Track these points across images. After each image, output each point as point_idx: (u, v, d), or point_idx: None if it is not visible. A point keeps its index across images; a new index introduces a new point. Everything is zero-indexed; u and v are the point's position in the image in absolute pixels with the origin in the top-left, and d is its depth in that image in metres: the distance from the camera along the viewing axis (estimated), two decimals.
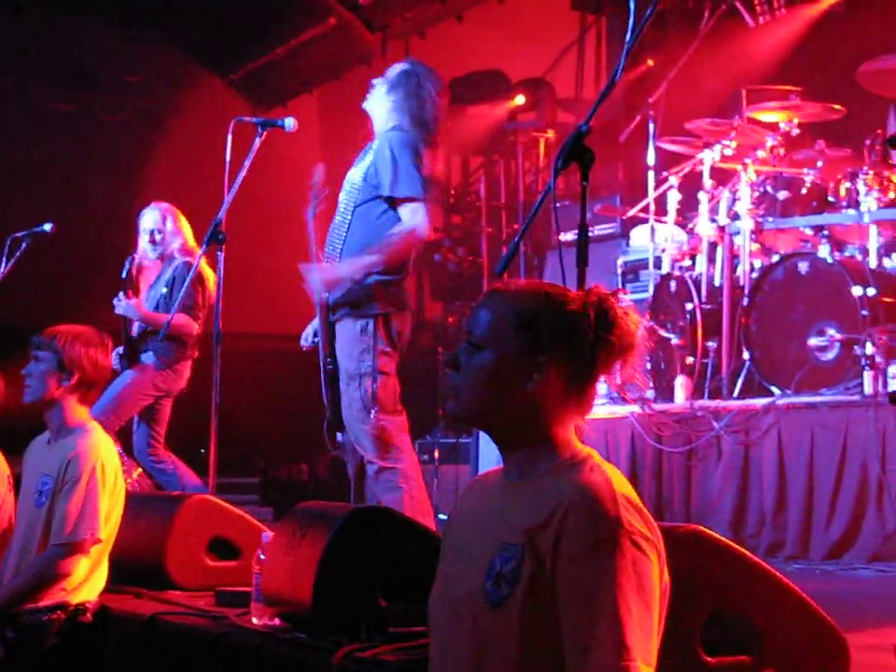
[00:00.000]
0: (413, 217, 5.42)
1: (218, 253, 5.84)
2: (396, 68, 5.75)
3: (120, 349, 6.99)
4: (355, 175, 5.65)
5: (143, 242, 7.19)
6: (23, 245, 7.07)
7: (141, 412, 7.06)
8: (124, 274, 6.98)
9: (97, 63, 11.36)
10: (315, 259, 5.55)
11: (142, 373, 6.99)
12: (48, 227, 7.05)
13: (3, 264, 7.09)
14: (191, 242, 7.23)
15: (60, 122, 11.04)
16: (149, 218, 7.24)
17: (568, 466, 2.36)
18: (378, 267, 5.45)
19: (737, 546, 3.06)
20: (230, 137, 6.03)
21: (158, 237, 7.19)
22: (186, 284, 6.64)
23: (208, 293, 6.99)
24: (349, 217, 5.62)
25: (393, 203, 5.50)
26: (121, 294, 6.94)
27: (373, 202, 5.54)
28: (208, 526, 5.10)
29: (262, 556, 4.13)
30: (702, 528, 3.02)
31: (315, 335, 5.73)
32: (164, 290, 7.11)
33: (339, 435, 5.77)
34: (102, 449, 4.50)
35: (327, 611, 3.70)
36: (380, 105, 5.68)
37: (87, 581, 4.46)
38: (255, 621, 4.09)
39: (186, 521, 5.06)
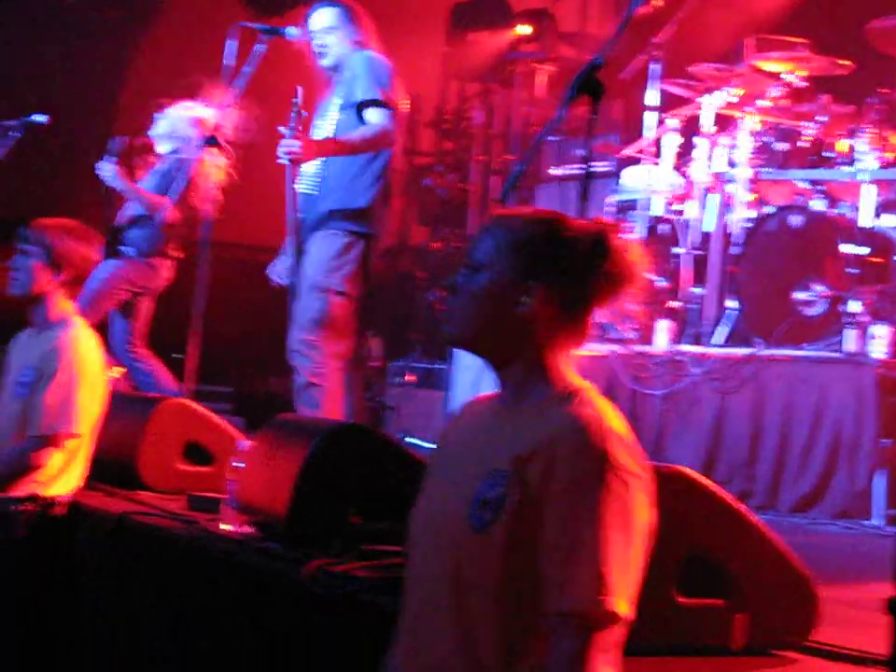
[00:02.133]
0: (383, 120, 5.61)
1: (212, 157, 5.81)
2: (327, 10, 5.95)
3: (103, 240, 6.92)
4: (330, 102, 5.77)
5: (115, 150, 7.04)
6: (15, 134, 6.98)
7: (118, 306, 6.99)
8: (111, 155, 6.82)
9: None
10: (291, 189, 5.66)
11: (118, 267, 6.90)
12: (42, 118, 6.95)
13: None
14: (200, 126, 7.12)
15: (54, 16, 10.88)
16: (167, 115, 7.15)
17: (561, 397, 2.35)
18: (346, 153, 5.70)
19: (718, 489, 3.07)
20: (231, 42, 5.98)
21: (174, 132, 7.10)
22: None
23: (198, 190, 6.89)
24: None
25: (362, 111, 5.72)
26: (108, 161, 6.77)
27: (352, 123, 5.66)
28: (183, 430, 5.09)
29: (238, 464, 4.13)
30: (684, 469, 3.02)
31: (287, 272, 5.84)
32: (153, 179, 7.00)
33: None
34: (84, 343, 4.47)
35: (301, 524, 3.71)
36: (339, 46, 5.90)
37: (61, 475, 4.45)
38: (227, 527, 4.09)
39: (161, 423, 5.05)
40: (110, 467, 4.96)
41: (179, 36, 11.15)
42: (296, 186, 5.85)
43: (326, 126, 5.85)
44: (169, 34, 11.26)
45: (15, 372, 4.53)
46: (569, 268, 2.37)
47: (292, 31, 5.95)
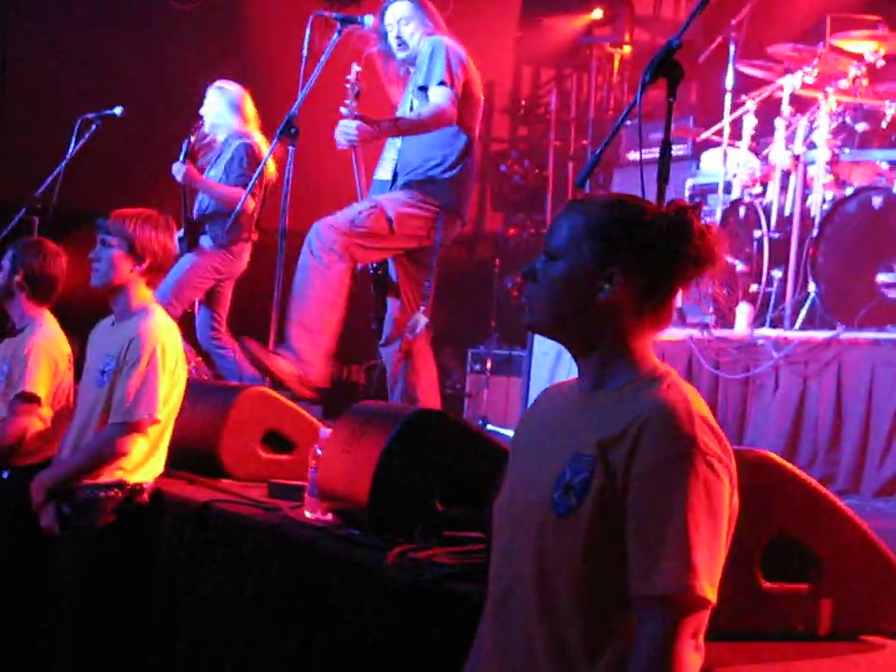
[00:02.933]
0: (442, 97, 5.69)
1: (290, 147, 5.84)
2: (400, 3, 6.06)
3: (180, 232, 7.00)
4: (408, 90, 5.87)
5: (187, 150, 7.14)
6: (93, 126, 7.06)
7: (202, 295, 7.09)
8: (182, 156, 6.93)
9: None
10: (359, 173, 5.77)
11: (201, 257, 6.99)
12: (118, 110, 7.03)
13: (72, 145, 7.10)
14: (252, 124, 7.19)
15: (132, 6, 10.98)
16: (208, 96, 7.23)
17: (646, 381, 2.34)
18: (403, 133, 5.86)
19: (802, 473, 3.04)
20: (308, 32, 6.00)
21: (212, 114, 7.18)
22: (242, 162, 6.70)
23: (266, 176, 6.97)
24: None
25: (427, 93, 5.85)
26: (179, 162, 6.89)
27: (425, 101, 5.77)
28: (264, 418, 5.12)
29: (319, 452, 4.15)
30: (768, 453, 3.00)
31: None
32: (220, 174, 7.09)
33: (381, 350, 5.93)
34: (163, 331, 4.50)
35: (382, 511, 3.71)
36: (414, 36, 6.01)
37: (145, 462, 4.49)
38: (308, 514, 4.11)
39: (242, 411, 5.09)
40: (192, 455, 5.01)
41: (256, 26, 11.21)
42: (375, 173, 5.94)
43: (406, 108, 5.93)
44: (246, 24, 11.32)
45: (96, 361, 4.57)
46: (650, 252, 2.35)
47: (369, 20, 5.98)
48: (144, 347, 4.41)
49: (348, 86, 5.66)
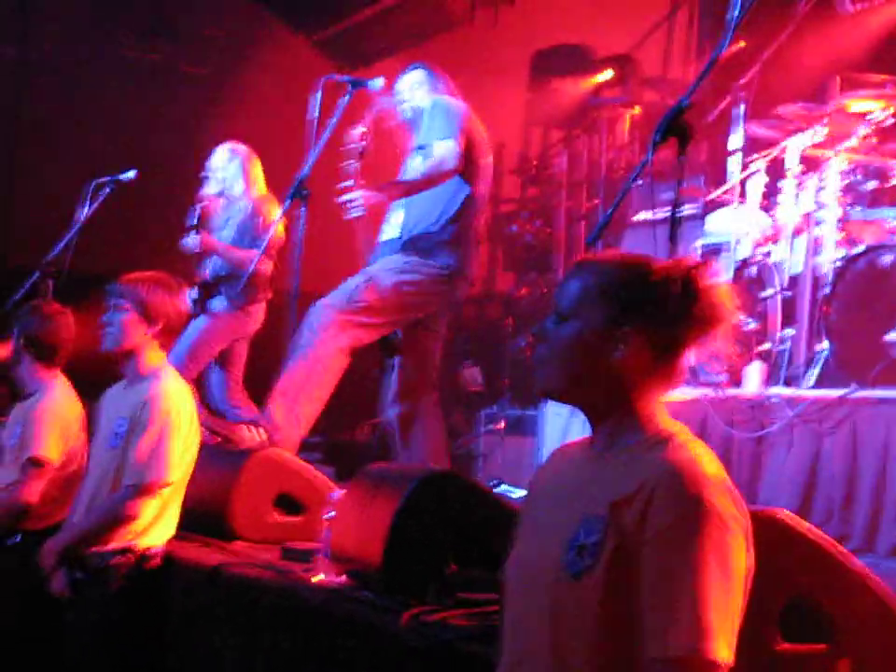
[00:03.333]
0: (444, 150, 5.65)
1: (301, 209, 5.86)
2: (415, 72, 6.22)
3: (194, 293, 7.01)
4: (413, 152, 5.89)
5: (210, 181, 7.17)
6: (106, 190, 7.09)
7: (216, 357, 7.09)
8: (194, 220, 6.96)
9: (180, 16, 11.37)
10: (364, 238, 5.75)
11: (216, 319, 7.01)
12: (131, 174, 7.06)
13: (85, 209, 7.12)
14: (260, 186, 7.22)
15: (143, 71, 11.07)
16: (217, 157, 7.25)
17: (657, 440, 2.33)
18: (408, 193, 5.83)
19: (818, 532, 3.02)
20: (318, 95, 6.04)
21: (220, 175, 7.20)
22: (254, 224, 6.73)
23: (277, 236, 6.98)
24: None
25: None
26: (192, 233, 6.91)
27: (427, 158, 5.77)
28: (275, 481, 5.12)
29: (331, 514, 4.14)
30: (783, 512, 2.98)
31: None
32: (233, 234, 7.10)
33: (388, 411, 5.92)
34: (176, 394, 4.51)
35: (396, 572, 3.70)
36: (427, 101, 6.08)
37: (155, 524, 4.49)
38: (321, 577, 4.10)
39: (253, 474, 5.09)
40: (204, 518, 5.00)
41: (267, 89, 11.30)
42: (381, 235, 5.95)
43: (411, 169, 5.94)
44: (257, 87, 11.41)
45: (108, 424, 4.58)
46: (662, 312, 2.35)
47: (377, 83, 6.02)
48: (156, 410, 4.42)
49: (353, 145, 5.67)
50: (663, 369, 2.38)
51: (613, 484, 2.29)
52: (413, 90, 6.03)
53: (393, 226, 5.96)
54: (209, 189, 7.20)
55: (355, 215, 5.69)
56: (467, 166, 5.86)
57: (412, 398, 5.93)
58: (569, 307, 2.39)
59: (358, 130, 5.75)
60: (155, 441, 4.41)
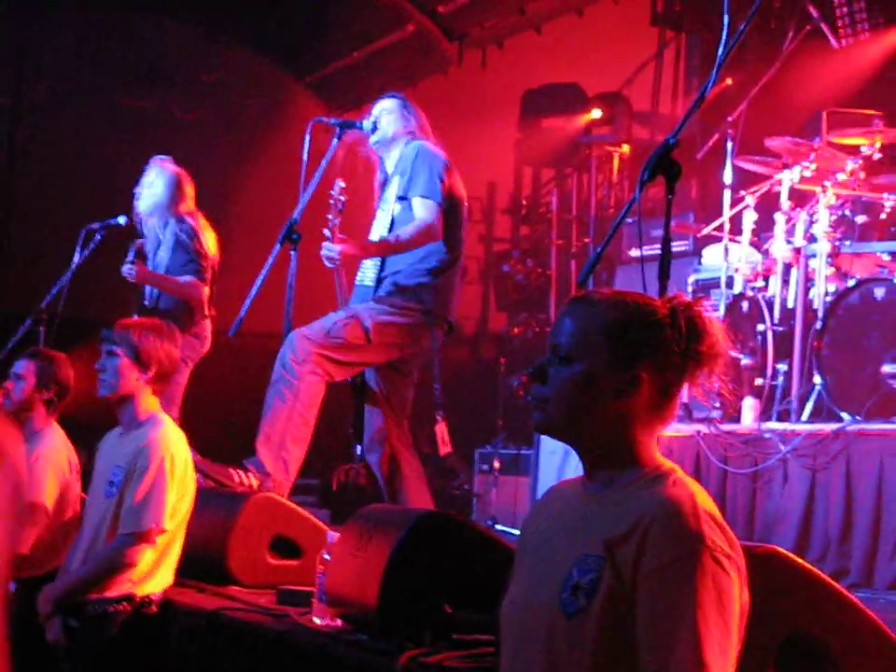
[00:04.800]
0: (428, 213, 5.65)
1: (292, 252, 5.86)
2: (388, 99, 6.12)
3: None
4: (388, 193, 5.85)
5: (134, 252, 7.05)
6: (97, 236, 7.09)
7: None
8: (131, 257, 6.86)
9: (174, 62, 11.45)
10: (340, 286, 5.73)
11: None
12: (122, 219, 7.06)
13: (77, 255, 7.13)
14: (190, 203, 7.11)
15: (136, 118, 11.13)
16: (149, 174, 7.14)
17: (651, 479, 2.33)
18: (389, 253, 5.78)
19: (814, 568, 3.02)
20: (307, 137, 6.05)
21: (152, 191, 7.08)
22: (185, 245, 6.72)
23: (209, 253, 6.93)
24: (385, 235, 5.81)
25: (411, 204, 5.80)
26: (130, 264, 6.81)
27: (406, 212, 5.73)
28: (271, 524, 5.11)
29: (327, 557, 4.13)
30: (779, 549, 2.98)
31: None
32: (165, 258, 6.99)
33: (357, 447, 5.89)
34: (172, 441, 4.51)
35: (392, 615, 3.68)
36: (391, 126, 6.00)
37: (153, 572, 4.48)
38: (317, 620, 4.08)
39: (249, 518, 5.07)
40: (200, 562, 4.98)
41: (257, 133, 11.35)
42: (357, 279, 5.93)
43: (384, 217, 5.92)
44: (247, 131, 11.46)
45: (104, 472, 4.58)
46: (668, 352, 2.34)
47: (367, 124, 6.03)
48: (153, 457, 4.42)
49: (331, 201, 5.67)
50: (662, 407, 2.39)
51: (608, 523, 2.29)
52: (384, 114, 6.01)
53: (369, 270, 5.93)
54: (141, 204, 7.07)
55: (331, 266, 5.67)
56: (450, 217, 5.82)
57: (387, 443, 5.91)
58: (570, 347, 2.37)
59: (338, 185, 5.74)
60: (151, 489, 4.40)
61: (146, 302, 7.07)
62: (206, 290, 6.91)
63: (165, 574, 4.54)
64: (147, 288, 7.07)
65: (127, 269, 6.75)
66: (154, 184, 7.02)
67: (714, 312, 2.26)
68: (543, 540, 2.44)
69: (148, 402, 4.61)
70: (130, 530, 4.38)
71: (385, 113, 6.02)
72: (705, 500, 2.28)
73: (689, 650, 2.13)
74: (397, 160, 5.96)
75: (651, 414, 2.37)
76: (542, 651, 2.30)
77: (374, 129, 6.02)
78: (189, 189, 7.12)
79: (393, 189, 5.93)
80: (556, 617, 2.28)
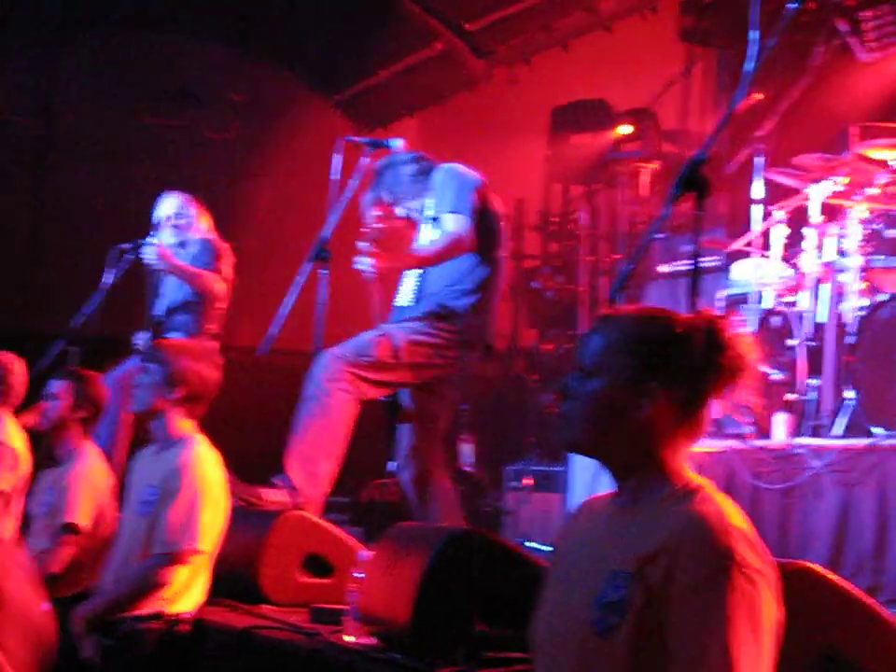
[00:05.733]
0: (456, 225, 5.64)
1: (322, 271, 5.87)
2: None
3: (146, 334, 7.00)
4: (427, 214, 5.88)
5: (163, 229, 7.11)
6: (127, 256, 7.14)
7: None
8: (154, 237, 6.92)
9: (203, 82, 11.50)
10: (375, 301, 5.73)
11: None
12: (154, 239, 7.12)
13: (108, 275, 7.17)
14: (205, 223, 7.22)
15: (165, 138, 11.18)
16: (170, 204, 7.22)
17: (681, 495, 2.33)
18: (420, 265, 5.81)
19: (847, 584, 3.00)
20: (337, 156, 6.07)
21: (182, 221, 7.16)
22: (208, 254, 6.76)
23: (231, 270, 7.00)
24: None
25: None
26: (150, 245, 6.88)
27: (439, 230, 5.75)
28: (303, 542, 5.11)
29: (359, 575, 4.13)
30: (811, 565, 2.97)
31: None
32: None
33: (389, 464, 5.89)
34: (206, 461, 4.52)
35: (424, 633, 3.69)
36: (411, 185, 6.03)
37: (185, 591, 4.49)
38: (349, 638, 4.08)
39: (281, 536, 5.07)
40: (231, 581, 4.99)
41: (288, 153, 11.39)
42: (395, 300, 5.94)
43: (424, 241, 5.93)
44: (277, 150, 11.50)
45: (138, 492, 4.60)
46: (686, 365, 2.35)
47: (396, 143, 6.04)
48: (186, 477, 4.43)
49: (368, 229, 5.68)
50: (688, 422, 2.39)
51: (639, 539, 2.29)
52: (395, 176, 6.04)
53: (407, 292, 5.94)
54: (166, 239, 7.14)
55: (367, 278, 5.67)
56: (485, 239, 5.81)
57: (419, 461, 5.90)
58: (593, 363, 2.39)
59: (373, 213, 5.75)
60: (187, 510, 4.41)
61: (159, 312, 7.11)
62: (224, 287, 6.95)
63: (197, 593, 4.55)
64: (164, 299, 7.12)
65: (149, 248, 6.80)
66: (176, 213, 7.13)
67: (744, 326, 2.25)
68: (574, 557, 2.44)
69: (181, 422, 4.63)
70: (164, 550, 4.40)
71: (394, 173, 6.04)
72: (735, 516, 2.28)
73: (720, 668, 2.12)
74: (433, 186, 5.97)
75: (676, 428, 2.38)
76: (576, 668, 2.29)
77: (414, 158, 6.01)
78: (205, 216, 7.22)
79: (428, 212, 5.95)
80: (588, 635, 2.27)
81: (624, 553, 2.29)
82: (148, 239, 7.02)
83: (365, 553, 4.25)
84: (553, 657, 2.37)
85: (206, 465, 4.52)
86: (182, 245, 7.15)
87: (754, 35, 3.75)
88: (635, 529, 2.32)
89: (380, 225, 5.69)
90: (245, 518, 5.31)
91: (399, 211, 6.01)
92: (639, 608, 2.22)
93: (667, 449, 2.38)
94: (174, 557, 4.40)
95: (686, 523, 2.25)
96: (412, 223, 6.07)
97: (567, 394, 2.42)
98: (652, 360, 2.35)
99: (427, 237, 5.89)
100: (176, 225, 7.17)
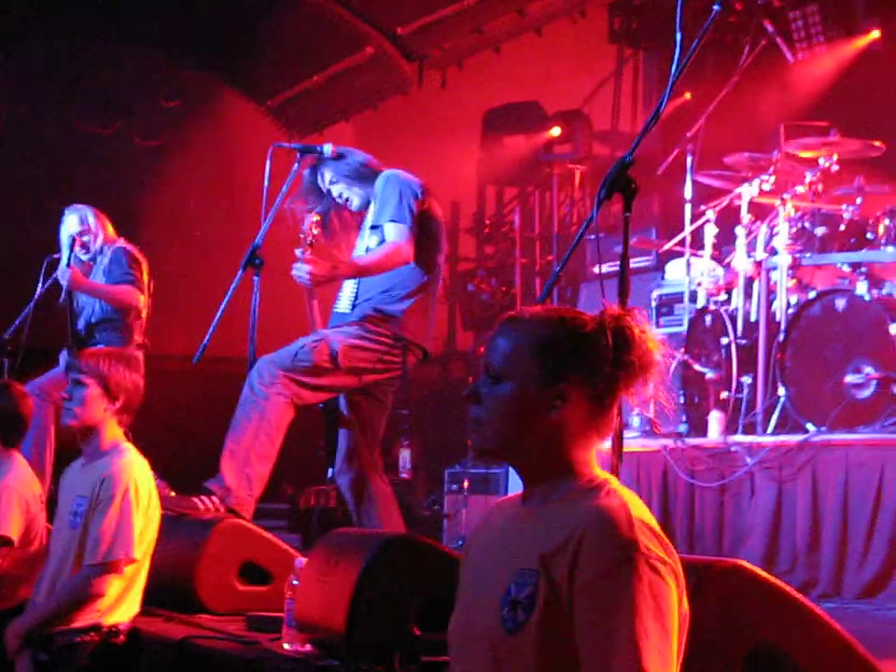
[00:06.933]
0: (397, 235, 5.64)
1: (255, 278, 5.84)
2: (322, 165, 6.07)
3: (66, 351, 6.95)
4: (366, 223, 5.86)
5: (70, 248, 7.04)
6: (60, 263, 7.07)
7: None
8: (67, 261, 6.86)
9: (133, 89, 11.42)
10: (310, 310, 5.71)
11: None
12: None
13: (39, 285, 7.11)
14: (111, 231, 7.17)
15: (96, 146, 11.10)
16: (73, 220, 7.15)
17: (585, 490, 2.33)
18: (358, 275, 5.77)
19: (779, 581, 3.03)
20: (268, 163, 6.05)
21: (87, 236, 7.10)
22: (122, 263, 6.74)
23: (147, 276, 6.97)
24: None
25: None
26: (66, 268, 6.83)
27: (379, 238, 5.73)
28: (239, 550, 5.09)
29: (295, 582, 4.12)
30: (744, 563, 2.99)
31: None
32: (102, 279, 7.02)
33: (329, 469, 5.88)
34: (136, 469, 4.49)
35: (360, 639, 3.68)
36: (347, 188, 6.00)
37: (120, 602, 4.44)
38: (287, 646, 4.08)
39: (217, 544, 5.05)
40: (168, 590, 4.96)
41: (219, 159, 11.34)
42: (335, 305, 5.92)
43: (361, 247, 5.92)
44: (208, 156, 11.44)
45: (68, 503, 4.55)
46: (597, 364, 2.35)
47: (327, 148, 6.01)
48: (116, 486, 4.39)
49: (302, 235, 5.65)
50: (598, 418, 2.39)
51: (543, 536, 2.30)
52: (335, 182, 6.01)
53: (346, 297, 5.92)
54: (82, 256, 7.10)
55: (301, 283, 5.64)
56: (425, 243, 5.80)
57: (357, 466, 5.89)
58: (502, 366, 2.38)
59: (310, 219, 5.71)
60: (118, 520, 4.37)
61: (79, 328, 7.05)
62: (143, 299, 6.91)
63: (132, 603, 4.51)
64: (84, 314, 7.06)
65: (62, 271, 6.75)
66: (77, 224, 7.05)
67: (648, 322, 2.26)
68: (482, 558, 2.45)
69: (113, 432, 4.58)
70: (97, 560, 4.35)
71: (338, 183, 6.00)
72: (638, 509, 2.29)
73: (628, 658, 2.13)
74: (372, 193, 5.94)
75: (587, 427, 2.38)
76: (488, 667, 2.30)
77: (339, 155, 5.99)
78: (107, 221, 7.16)
79: (368, 222, 5.93)
80: (497, 634, 2.28)
81: (529, 550, 2.30)
82: (58, 259, 6.95)
83: (301, 560, 4.25)
84: (468, 657, 2.38)
85: (137, 474, 4.48)
86: (93, 258, 7.10)
87: (678, 36, 3.76)
88: (540, 526, 2.33)
89: (316, 230, 5.65)
90: (181, 527, 5.28)
91: (334, 191, 5.98)
92: (545, 604, 2.23)
93: (577, 448, 2.38)
94: (107, 567, 4.36)
95: (589, 516, 2.25)
96: (344, 217, 6.05)
97: (476, 399, 2.42)
98: (563, 361, 2.35)
99: (367, 244, 5.87)
100: (83, 240, 7.10)
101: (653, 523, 2.27)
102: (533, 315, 2.43)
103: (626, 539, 2.20)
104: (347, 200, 6.00)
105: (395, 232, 5.70)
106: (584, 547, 2.22)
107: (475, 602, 2.39)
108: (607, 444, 2.48)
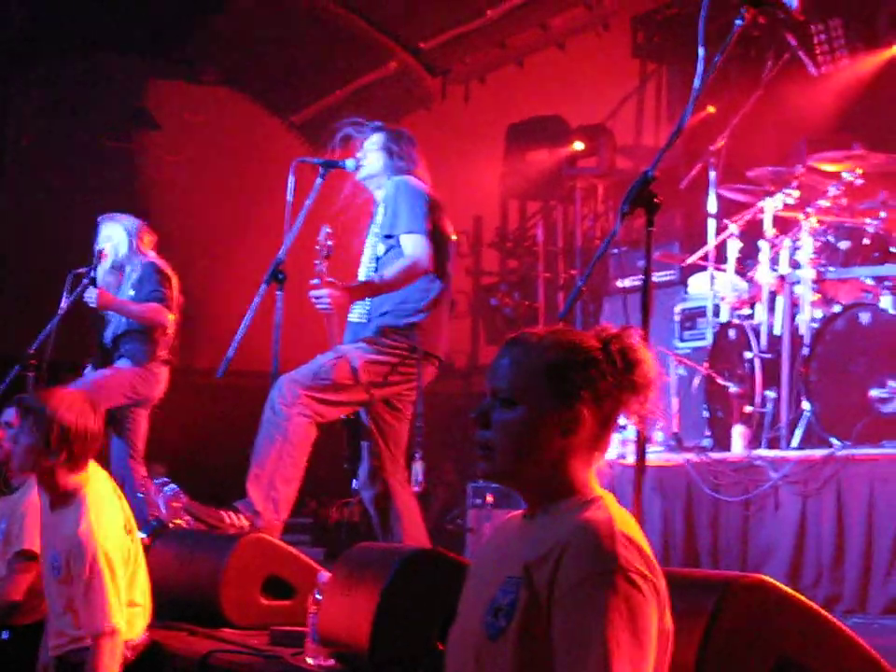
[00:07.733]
0: (414, 248, 5.64)
1: (278, 293, 5.86)
2: (375, 134, 6.08)
3: (90, 366, 6.99)
4: (374, 229, 5.85)
5: (96, 263, 7.07)
6: (84, 280, 7.10)
7: (115, 421, 6.91)
8: (91, 281, 6.88)
9: (160, 104, 11.49)
10: (328, 327, 5.72)
11: (118, 371, 6.94)
12: (108, 262, 7.10)
13: (64, 300, 7.13)
14: (147, 243, 7.20)
15: (122, 161, 11.16)
16: (110, 230, 7.17)
17: (577, 505, 2.36)
18: (376, 294, 5.77)
19: (802, 597, 3.02)
20: (291, 178, 6.07)
21: (123, 248, 7.12)
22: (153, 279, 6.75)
23: (177, 292, 7.00)
24: (373, 271, 5.87)
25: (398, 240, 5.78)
26: (93, 288, 6.85)
27: (393, 250, 5.72)
28: (263, 565, 5.09)
29: (319, 596, 4.13)
30: (767, 578, 2.99)
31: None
32: (131, 293, 7.06)
33: (353, 481, 5.88)
34: (102, 525, 4.29)
35: (384, 654, 3.69)
36: (377, 162, 5.99)
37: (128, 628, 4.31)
38: (310, 661, 4.08)
39: (241, 559, 5.05)
40: (192, 605, 4.97)
41: (244, 174, 11.37)
42: (349, 316, 5.93)
43: (368, 254, 5.92)
44: (234, 171, 11.48)
45: (47, 551, 4.43)
46: (604, 385, 2.37)
47: (350, 163, 6.03)
48: (85, 558, 4.20)
49: (318, 247, 5.66)
50: (602, 439, 2.42)
51: (529, 546, 2.34)
52: (368, 152, 6.00)
53: (360, 309, 5.92)
54: (106, 264, 7.13)
55: (322, 310, 5.64)
56: (437, 253, 5.81)
57: (381, 479, 5.90)
58: (513, 391, 2.39)
59: (325, 231, 5.72)
60: (94, 593, 4.19)
61: (106, 340, 7.09)
62: (171, 317, 6.94)
63: (139, 620, 4.41)
64: (111, 325, 7.11)
65: (89, 293, 6.78)
66: (113, 235, 7.10)
67: (646, 340, 2.29)
68: (481, 569, 2.51)
69: (68, 477, 4.35)
70: (94, 633, 4.20)
71: (372, 149, 6.02)
72: (624, 523, 2.31)
73: (599, 668, 2.14)
74: (383, 196, 5.96)
75: (592, 447, 2.41)
76: None
77: (359, 167, 6.02)
78: (147, 237, 7.20)
79: (375, 228, 5.93)
80: (482, 640, 2.33)
81: (517, 560, 2.33)
82: (91, 271, 6.96)
83: (325, 575, 4.25)
84: (457, 662, 2.42)
85: (103, 529, 4.27)
86: (121, 267, 7.14)
87: (701, 50, 3.77)
88: (529, 538, 2.37)
89: (330, 242, 5.65)
90: (206, 542, 5.30)
91: (364, 150, 5.99)
92: (525, 610, 2.26)
93: (581, 467, 2.41)
94: (104, 637, 4.19)
95: (573, 529, 2.28)
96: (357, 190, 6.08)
97: (485, 422, 2.42)
98: (576, 385, 2.37)
99: (376, 252, 5.86)
100: (117, 251, 7.15)
101: (640, 539, 2.29)
102: (538, 339, 2.44)
103: (607, 551, 2.22)
104: (361, 166, 6.00)
105: (412, 244, 5.71)
106: (565, 558, 2.24)
107: (467, 609, 2.44)
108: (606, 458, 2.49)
